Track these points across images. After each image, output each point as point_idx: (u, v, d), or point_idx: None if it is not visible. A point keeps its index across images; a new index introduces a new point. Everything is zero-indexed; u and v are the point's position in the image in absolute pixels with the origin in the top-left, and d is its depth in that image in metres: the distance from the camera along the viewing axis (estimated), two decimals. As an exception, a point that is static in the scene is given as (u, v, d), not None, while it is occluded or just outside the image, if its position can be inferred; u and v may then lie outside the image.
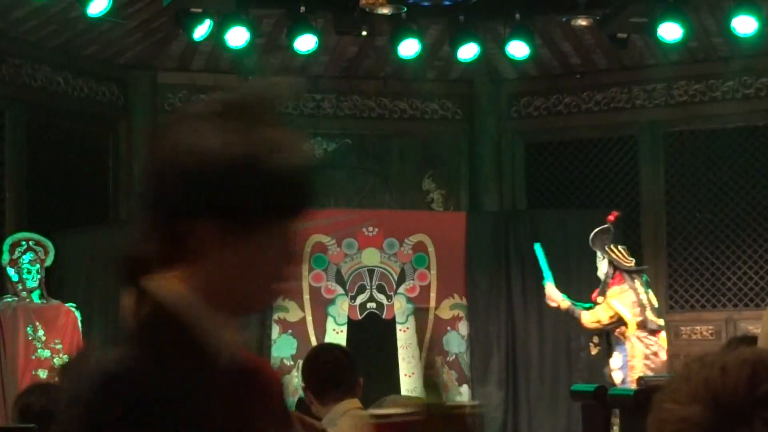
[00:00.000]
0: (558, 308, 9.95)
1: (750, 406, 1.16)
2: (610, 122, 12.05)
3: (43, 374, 9.17)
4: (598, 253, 9.93)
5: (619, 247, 9.89)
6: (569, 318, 10.04)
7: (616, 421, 6.57)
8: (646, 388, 5.88)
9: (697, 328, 11.66)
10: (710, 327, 11.64)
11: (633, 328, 9.56)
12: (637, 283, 9.76)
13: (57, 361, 9.39)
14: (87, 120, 11.21)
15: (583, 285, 11.24)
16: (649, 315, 9.62)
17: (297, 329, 10.71)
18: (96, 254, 10.45)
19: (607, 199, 11.87)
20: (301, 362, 10.35)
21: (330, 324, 10.77)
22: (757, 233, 11.66)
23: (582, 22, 10.78)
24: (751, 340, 5.34)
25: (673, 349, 11.61)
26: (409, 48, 10.93)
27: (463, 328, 11.06)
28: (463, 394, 11.02)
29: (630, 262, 9.85)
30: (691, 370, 1.23)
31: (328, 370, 4.89)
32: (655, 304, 9.80)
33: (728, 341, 5.34)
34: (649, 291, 9.82)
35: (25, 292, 9.49)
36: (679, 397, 1.20)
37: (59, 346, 9.42)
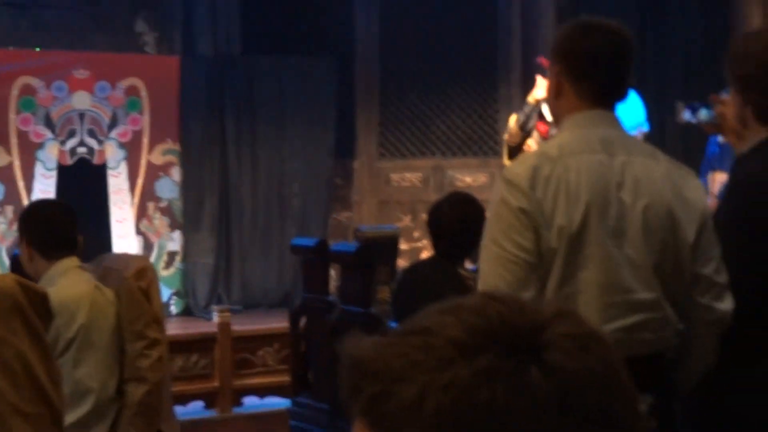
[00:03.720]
0: None
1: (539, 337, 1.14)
2: (326, -33, 11.96)
3: None
4: None
5: None
6: None
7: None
8: (366, 244, 6.01)
9: (407, 175, 11.90)
10: (419, 174, 11.91)
11: None
12: None
13: None
14: None
15: (296, 131, 11.32)
16: None
17: (4, 174, 10.37)
18: None
19: (321, 46, 11.83)
20: (8, 208, 10.10)
21: (39, 169, 10.48)
22: (466, 82, 11.90)
23: None
24: (466, 197, 5.51)
25: (382, 196, 11.88)
26: None
27: (176, 173, 10.96)
28: (175, 240, 10.99)
29: None
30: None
31: (48, 228, 4.80)
32: None
33: (449, 195, 5.48)
34: None
35: None
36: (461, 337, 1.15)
37: None
